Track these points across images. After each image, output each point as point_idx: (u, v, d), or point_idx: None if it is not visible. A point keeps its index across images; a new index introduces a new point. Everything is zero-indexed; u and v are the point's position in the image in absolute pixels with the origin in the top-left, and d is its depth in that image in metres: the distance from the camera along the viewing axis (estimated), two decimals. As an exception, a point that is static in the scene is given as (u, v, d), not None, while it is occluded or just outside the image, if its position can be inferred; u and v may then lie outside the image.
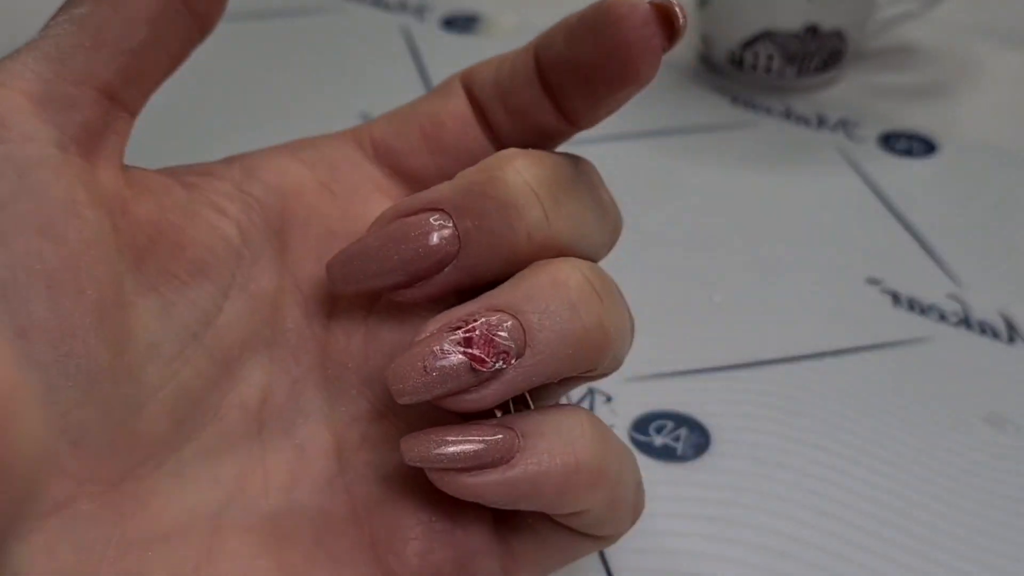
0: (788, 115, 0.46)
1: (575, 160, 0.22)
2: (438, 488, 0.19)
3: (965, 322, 0.35)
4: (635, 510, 0.22)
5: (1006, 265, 0.38)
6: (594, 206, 0.21)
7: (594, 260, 0.22)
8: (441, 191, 0.20)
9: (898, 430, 0.31)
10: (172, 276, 0.20)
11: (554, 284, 0.19)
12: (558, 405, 0.21)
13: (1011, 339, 0.34)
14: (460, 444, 0.19)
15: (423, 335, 0.19)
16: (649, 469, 0.30)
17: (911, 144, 0.44)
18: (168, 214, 0.20)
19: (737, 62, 0.47)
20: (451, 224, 0.20)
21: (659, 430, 0.31)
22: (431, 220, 0.20)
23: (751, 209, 0.40)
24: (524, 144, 0.21)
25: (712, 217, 0.40)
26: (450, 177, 0.21)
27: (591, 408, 0.31)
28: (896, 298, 0.36)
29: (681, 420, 0.31)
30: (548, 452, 0.19)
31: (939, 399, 0.32)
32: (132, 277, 0.20)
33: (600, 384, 0.32)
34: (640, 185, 0.42)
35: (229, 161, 0.22)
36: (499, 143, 0.22)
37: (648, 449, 0.30)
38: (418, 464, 0.19)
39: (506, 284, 0.20)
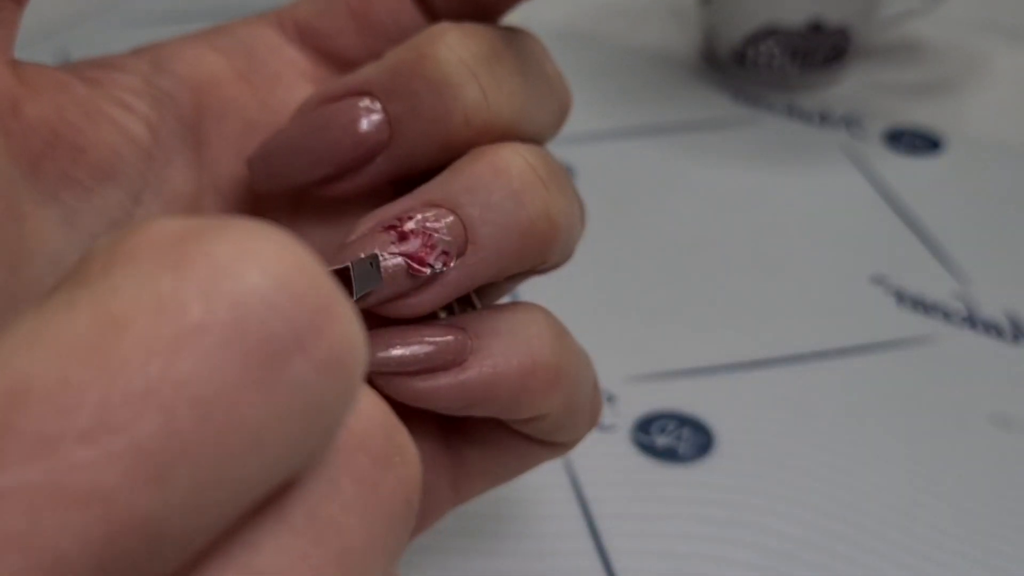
0: (791, 112, 0.46)
1: (516, 32, 0.20)
2: (383, 394, 0.17)
3: (970, 321, 0.35)
4: (593, 414, 0.20)
5: (1011, 264, 0.37)
6: (538, 82, 0.20)
7: (540, 142, 0.20)
8: (367, 73, 0.19)
9: (902, 430, 0.31)
10: (74, 182, 0.18)
11: (495, 172, 0.18)
12: (512, 302, 0.19)
13: (1016, 338, 0.34)
14: (408, 346, 0.17)
15: (354, 236, 0.18)
16: (651, 470, 0.29)
17: (916, 141, 0.44)
18: (67, 114, 0.18)
19: (740, 58, 0.47)
20: (380, 109, 0.18)
21: (661, 430, 0.30)
22: (358, 105, 0.18)
23: (753, 207, 0.40)
24: (461, 19, 0.19)
25: (714, 215, 0.40)
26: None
27: (592, 408, 0.31)
28: (900, 297, 0.36)
29: (683, 420, 0.31)
30: (503, 353, 0.18)
31: (944, 399, 0.32)
32: (28, 186, 0.18)
33: (602, 385, 0.32)
34: (641, 183, 0.41)
35: (138, 53, 0.20)
36: (433, 18, 0.20)
37: (650, 450, 0.30)
38: None
39: (443, 175, 0.18)
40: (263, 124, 0.20)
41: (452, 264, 0.18)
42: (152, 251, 0.10)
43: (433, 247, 0.17)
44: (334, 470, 0.11)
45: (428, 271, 0.17)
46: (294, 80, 0.21)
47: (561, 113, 0.21)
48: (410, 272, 0.17)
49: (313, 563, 0.11)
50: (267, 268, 0.10)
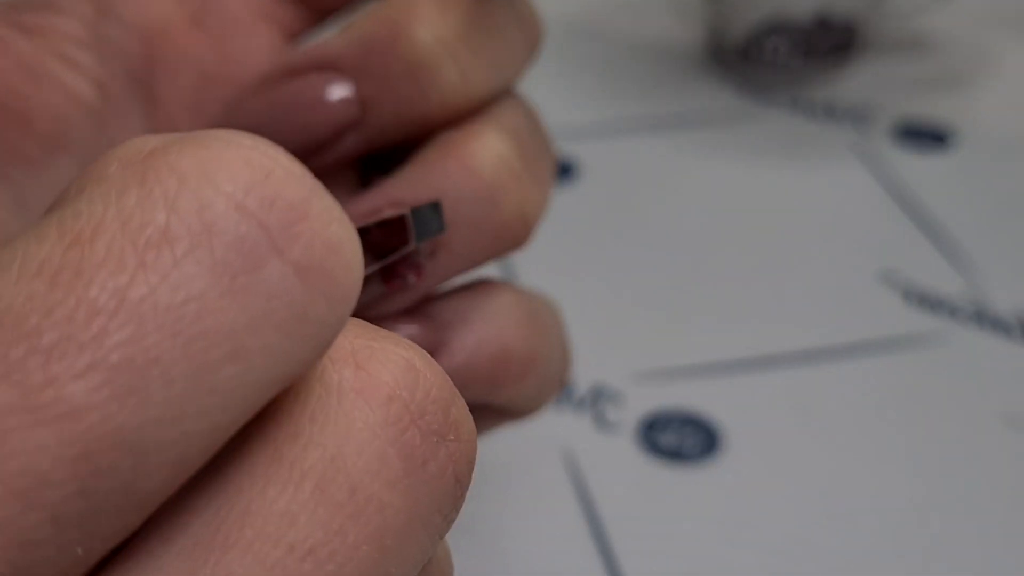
0: (797, 107, 0.45)
1: None
2: None
3: (979, 319, 0.34)
4: (562, 381, 0.20)
5: (1021, 261, 0.37)
6: (512, 31, 0.19)
7: (510, 86, 0.19)
8: (336, 47, 0.18)
9: (910, 428, 0.30)
10: (23, 157, 0.17)
11: (467, 173, 0.17)
12: (481, 282, 0.19)
13: (1026, 336, 0.34)
14: None
15: None
16: (656, 470, 0.29)
17: (924, 137, 0.44)
18: (11, 79, 0.17)
19: (745, 53, 0.46)
20: (351, 87, 0.17)
21: (666, 429, 0.30)
22: (326, 83, 0.17)
23: (759, 203, 0.40)
24: None
25: (719, 211, 0.39)
26: None
27: (597, 408, 0.31)
28: (908, 295, 0.35)
29: (688, 420, 0.31)
30: (474, 345, 0.17)
31: (953, 397, 0.31)
32: None
33: (607, 382, 0.32)
34: (645, 177, 0.41)
35: None
36: None
37: (655, 449, 0.30)
38: None
39: (411, 170, 0.18)
40: (220, 77, 0.19)
41: (423, 276, 0.17)
42: (121, 169, 0.10)
43: (406, 261, 0.17)
44: (383, 443, 0.11)
45: (401, 283, 0.17)
46: (252, 23, 0.19)
47: (534, 49, 0.20)
48: (380, 282, 0.17)
49: (350, 540, 0.11)
50: (236, 173, 0.09)
